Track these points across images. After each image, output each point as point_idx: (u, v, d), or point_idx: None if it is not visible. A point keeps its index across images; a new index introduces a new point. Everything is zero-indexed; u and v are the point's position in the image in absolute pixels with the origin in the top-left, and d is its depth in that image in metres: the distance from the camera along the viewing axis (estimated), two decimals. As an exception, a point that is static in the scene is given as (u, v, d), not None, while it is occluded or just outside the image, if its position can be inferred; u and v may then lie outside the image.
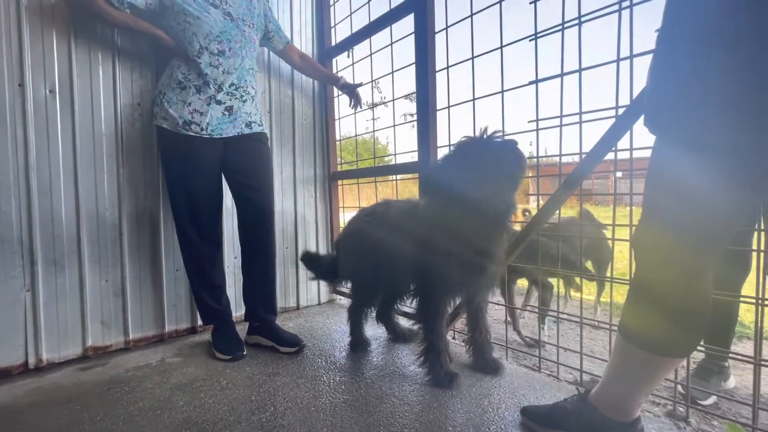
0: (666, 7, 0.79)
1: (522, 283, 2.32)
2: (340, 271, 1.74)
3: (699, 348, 1.23)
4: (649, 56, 0.86)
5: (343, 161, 2.64)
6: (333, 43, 2.41)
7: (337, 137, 2.50)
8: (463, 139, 1.28)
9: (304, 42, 2.35)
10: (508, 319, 1.96)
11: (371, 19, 2.09)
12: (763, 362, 1.06)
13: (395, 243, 1.44)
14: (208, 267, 1.68)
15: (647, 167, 0.87)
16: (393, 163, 2.25)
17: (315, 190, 2.40)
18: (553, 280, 2.03)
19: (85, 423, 1.18)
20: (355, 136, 2.47)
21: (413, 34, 1.83)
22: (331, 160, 2.45)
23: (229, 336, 1.69)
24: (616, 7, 1.25)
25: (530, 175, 1.58)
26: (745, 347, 1.89)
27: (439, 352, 1.37)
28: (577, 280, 2.21)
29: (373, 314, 1.78)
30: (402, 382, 1.40)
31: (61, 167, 1.56)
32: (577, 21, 1.33)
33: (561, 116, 1.39)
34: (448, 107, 1.75)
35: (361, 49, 2.25)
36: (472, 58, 1.63)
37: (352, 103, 2.06)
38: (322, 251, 2.43)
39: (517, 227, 1.72)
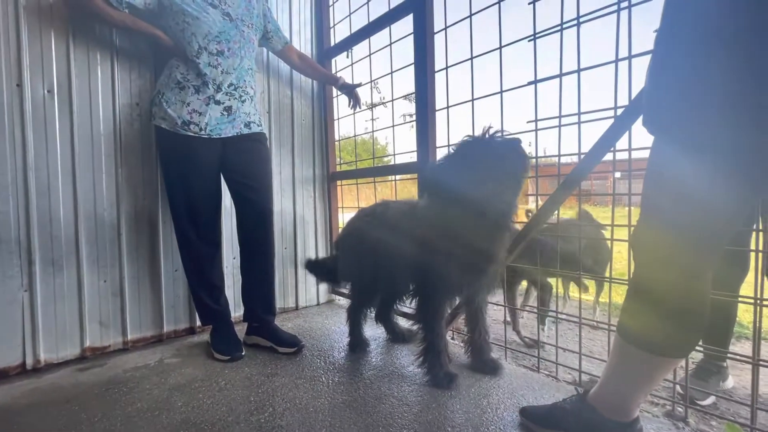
0: (665, 8, 0.79)
1: (522, 283, 2.32)
2: (340, 271, 1.74)
3: (698, 348, 1.23)
4: (648, 57, 0.86)
5: (342, 161, 2.64)
6: (332, 44, 2.41)
7: (336, 137, 2.50)
8: (466, 138, 1.28)
9: (303, 42, 2.35)
10: (508, 319, 1.96)
11: (370, 20, 2.10)
12: (761, 362, 1.06)
13: (395, 243, 1.44)
14: (206, 267, 1.68)
15: (646, 167, 0.87)
16: (392, 163, 2.25)
17: (314, 191, 2.40)
18: (551, 281, 2.03)
19: (83, 424, 1.17)
20: (354, 136, 2.47)
21: (412, 35, 1.83)
22: (330, 161, 2.45)
23: (227, 336, 1.68)
24: (615, 7, 1.25)
25: (530, 175, 1.58)
26: (743, 347, 1.89)
27: (438, 352, 1.37)
28: (589, 282, 2.21)
29: (373, 314, 1.78)
30: (401, 382, 1.40)
31: (59, 167, 1.56)
32: (575, 21, 1.33)
33: (560, 116, 1.39)
34: (447, 107, 1.75)
35: (360, 49, 2.26)
36: (471, 58, 1.63)
37: (351, 103, 2.06)
38: (321, 252, 2.43)
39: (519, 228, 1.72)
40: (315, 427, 1.13)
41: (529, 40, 1.45)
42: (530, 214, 2.18)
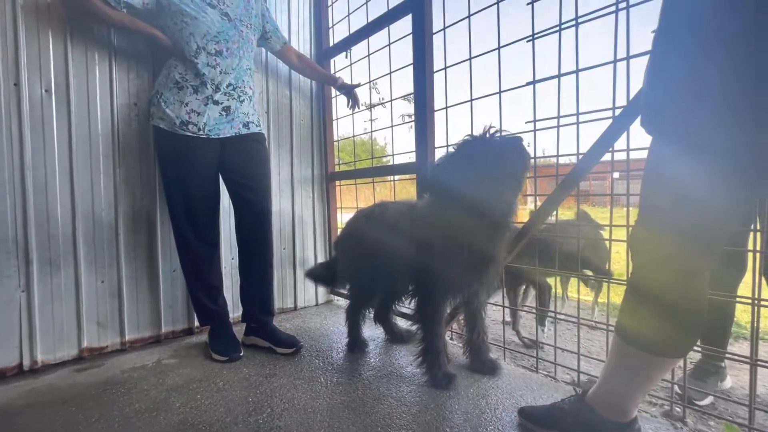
0: (663, 9, 0.80)
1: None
2: (339, 272, 1.73)
3: (696, 348, 1.23)
4: (646, 57, 0.86)
5: (341, 162, 2.64)
6: (331, 44, 2.41)
7: (335, 138, 2.50)
8: (466, 137, 1.27)
9: (301, 42, 2.35)
10: (507, 319, 1.96)
11: (369, 20, 2.10)
12: (759, 362, 1.06)
13: (393, 244, 1.44)
14: (205, 267, 1.68)
15: (644, 168, 0.87)
16: (391, 163, 2.25)
17: (313, 191, 2.40)
18: (550, 281, 2.03)
19: (80, 425, 1.17)
20: (353, 136, 2.47)
21: (411, 35, 1.83)
22: (328, 161, 2.45)
23: (226, 337, 1.68)
24: (613, 8, 1.25)
25: (529, 175, 1.58)
26: (741, 347, 1.89)
27: (437, 352, 1.37)
28: (606, 283, 2.21)
29: (371, 315, 1.78)
30: (400, 383, 1.40)
31: (57, 166, 1.56)
32: (574, 22, 1.33)
33: (558, 117, 1.40)
34: (446, 108, 1.75)
35: (359, 49, 2.26)
36: (470, 58, 1.63)
37: (350, 103, 2.06)
38: (320, 252, 2.43)
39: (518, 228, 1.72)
40: (313, 427, 1.13)
41: (527, 41, 1.45)
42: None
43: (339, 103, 2.44)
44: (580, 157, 1.36)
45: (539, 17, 1.45)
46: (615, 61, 1.25)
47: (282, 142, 2.24)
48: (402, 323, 1.89)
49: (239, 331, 1.78)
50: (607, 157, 1.31)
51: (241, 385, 1.40)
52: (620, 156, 1.29)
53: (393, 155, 2.18)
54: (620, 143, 1.26)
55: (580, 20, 1.32)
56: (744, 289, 1.28)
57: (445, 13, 1.71)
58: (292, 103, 2.27)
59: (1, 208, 1.45)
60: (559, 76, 1.38)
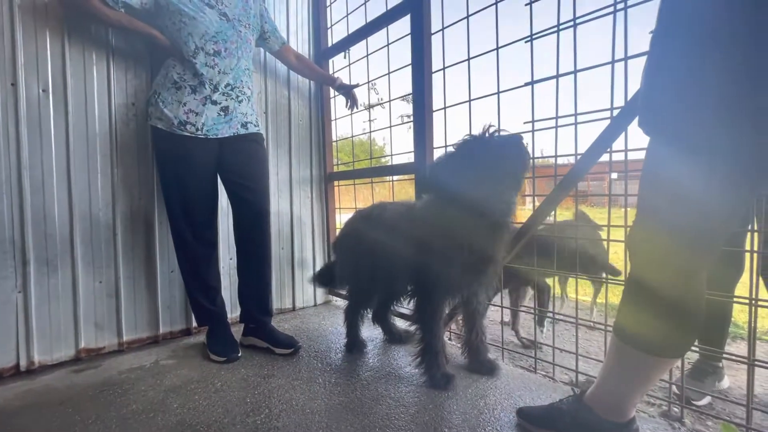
0: (660, 9, 0.80)
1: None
2: (337, 272, 1.73)
3: (693, 348, 1.23)
4: (644, 58, 0.86)
5: (339, 162, 2.64)
6: (329, 44, 2.41)
7: (334, 138, 2.50)
8: (466, 137, 1.27)
9: (300, 43, 2.35)
10: (505, 320, 1.96)
11: (368, 20, 2.10)
12: (756, 362, 1.06)
13: (392, 244, 1.44)
14: (203, 268, 1.67)
15: (642, 168, 0.87)
16: (389, 164, 2.25)
17: (311, 191, 2.39)
18: (548, 281, 2.03)
19: (77, 426, 1.16)
20: (352, 137, 2.47)
21: (410, 35, 1.83)
22: (327, 161, 2.45)
23: (224, 338, 1.68)
24: (611, 9, 1.25)
25: (528, 175, 1.58)
26: (739, 348, 1.90)
27: (436, 353, 1.37)
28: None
29: (370, 315, 1.78)
30: (398, 383, 1.40)
31: (54, 166, 1.55)
32: (572, 23, 1.33)
33: (556, 117, 1.40)
34: (444, 108, 1.75)
35: (357, 50, 2.26)
36: (468, 59, 1.63)
37: (349, 104, 2.06)
38: (318, 253, 2.42)
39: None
40: (311, 428, 1.13)
41: (526, 41, 1.45)
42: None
43: (338, 103, 2.45)
44: (579, 157, 1.36)
45: (537, 18, 1.45)
46: (613, 62, 1.25)
47: (280, 143, 2.23)
48: (400, 324, 1.89)
49: (237, 331, 1.78)
50: (605, 157, 1.32)
51: (239, 385, 1.39)
52: (618, 156, 1.29)
53: (392, 155, 2.18)
54: (618, 144, 1.26)
55: (578, 21, 1.32)
56: (741, 289, 1.28)
57: (444, 14, 1.72)
58: (290, 103, 2.27)
59: (-3, 208, 1.44)
60: (557, 76, 1.38)
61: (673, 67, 0.75)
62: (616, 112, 1.26)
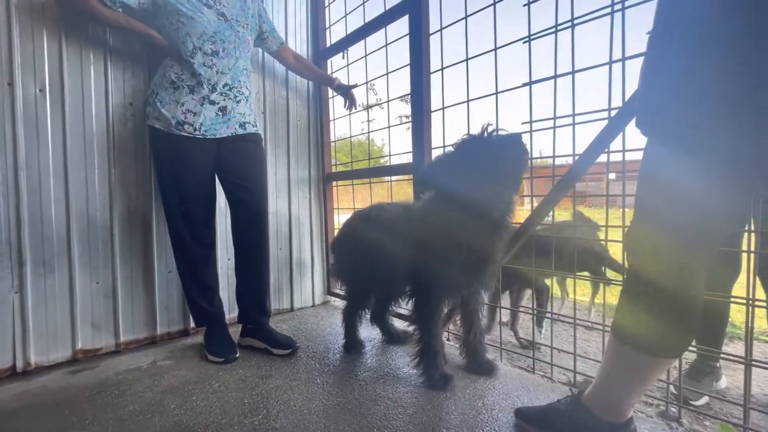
0: (658, 10, 0.80)
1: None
2: (336, 272, 1.73)
3: (691, 348, 1.23)
4: (641, 58, 0.86)
5: (338, 162, 2.64)
6: (328, 44, 2.40)
7: (332, 138, 2.50)
8: (465, 136, 1.27)
9: (298, 43, 2.35)
10: (503, 320, 1.96)
11: (366, 21, 2.10)
12: (753, 362, 1.06)
13: (390, 244, 1.43)
14: (200, 268, 1.67)
15: (639, 169, 0.87)
16: (388, 164, 2.25)
17: (309, 191, 2.39)
18: (547, 281, 2.03)
19: (73, 427, 1.16)
20: (350, 137, 2.47)
21: (408, 36, 1.83)
22: (325, 161, 2.44)
23: (221, 338, 1.67)
24: (609, 10, 1.26)
25: (526, 175, 1.59)
26: (736, 348, 1.90)
27: (434, 353, 1.37)
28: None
29: (368, 316, 1.78)
30: (396, 384, 1.40)
31: (51, 166, 1.54)
32: (570, 23, 1.33)
33: (554, 118, 1.40)
34: (443, 109, 1.75)
35: (356, 50, 2.26)
36: (467, 59, 1.63)
37: (347, 104, 2.06)
38: (317, 253, 2.42)
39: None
40: (309, 429, 1.13)
41: (524, 42, 1.45)
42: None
43: (336, 103, 2.44)
44: (576, 157, 1.37)
45: (535, 18, 1.45)
46: (611, 63, 1.25)
47: (279, 143, 2.23)
48: (399, 324, 1.89)
49: (235, 332, 1.78)
50: (603, 158, 1.32)
51: (236, 386, 1.39)
52: (616, 157, 1.29)
53: (390, 156, 2.18)
54: (616, 144, 1.27)
55: (576, 22, 1.32)
56: (738, 289, 1.29)
57: (442, 14, 1.72)
58: (288, 103, 2.27)
59: (-6, 209, 1.44)
60: (555, 77, 1.38)
61: (671, 68, 0.75)
62: (613, 113, 1.26)
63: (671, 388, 1.27)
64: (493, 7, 1.54)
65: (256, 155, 1.71)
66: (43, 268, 1.54)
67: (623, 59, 1.22)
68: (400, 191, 2.53)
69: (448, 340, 1.84)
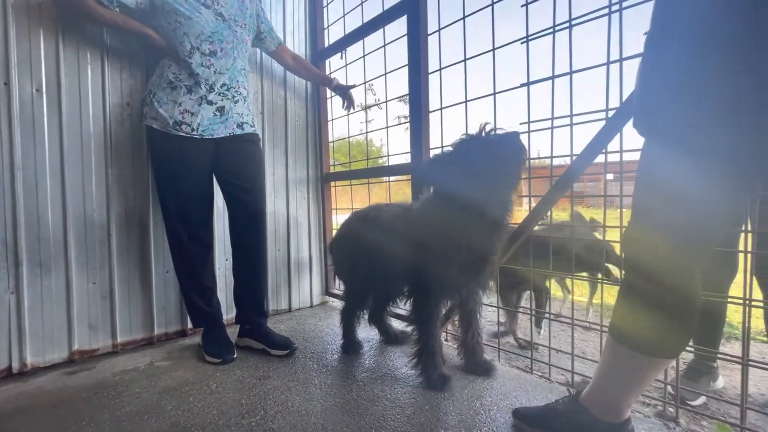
0: (655, 11, 0.80)
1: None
2: (334, 273, 1.73)
3: (688, 349, 1.24)
4: (639, 59, 0.86)
5: (336, 163, 2.63)
6: (326, 45, 2.40)
7: (330, 138, 2.49)
8: (463, 136, 1.27)
9: (296, 43, 2.34)
10: (501, 320, 1.96)
11: (364, 21, 2.10)
12: (750, 362, 1.07)
13: (388, 245, 1.43)
14: (198, 269, 1.66)
15: (637, 169, 0.87)
16: (386, 164, 2.25)
17: (308, 192, 2.39)
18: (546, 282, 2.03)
19: (70, 428, 1.15)
20: (348, 137, 2.47)
21: (406, 36, 1.83)
22: (323, 162, 2.44)
23: (219, 339, 1.67)
24: (606, 10, 1.26)
25: (524, 174, 1.59)
26: (733, 348, 1.91)
27: (433, 353, 1.37)
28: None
29: (366, 316, 1.78)
30: (394, 384, 1.39)
31: (48, 167, 1.54)
32: (567, 24, 1.34)
33: (552, 118, 1.40)
34: (441, 109, 1.75)
35: (354, 50, 2.26)
36: (465, 60, 1.63)
37: (345, 104, 2.06)
38: (315, 253, 2.42)
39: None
40: (307, 430, 1.12)
41: (521, 42, 1.45)
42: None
43: (334, 104, 2.44)
44: (574, 158, 1.37)
45: (533, 19, 1.46)
46: (608, 63, 1.26)
47: (277, 143, 2.23)
48: (397, 325, 1.89)
49: (233, 332, 1.77)
50: (600, 158, 1.32)
51: (234, 387, 1.39)
52: (614, 158, 1.29)
53: (388, 156, 2.17)
54: (614, 145, 1.27)
55: (573, 22, 1.33)
56: (735, 289, 1.29)
57: (440, 15, 1.72)
58: (287, 103, 2.26)
59: (-10, 209, 1.43)
60: (552, 77, 1.38)
61: (670, 68, 0.75)
62: (611, 114, 1.26)
63: (669, 388, 1.27)
64: (491, 7, 1.54)
65: (254, 155, 1.71)
66: (40, 269, 1.53)
67: (621, 60, 1.23)
68: (399, 192, 2.53)
69: (446, 340, 1.84)
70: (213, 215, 1.75)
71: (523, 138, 1.46)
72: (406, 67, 1.84)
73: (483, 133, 1.23)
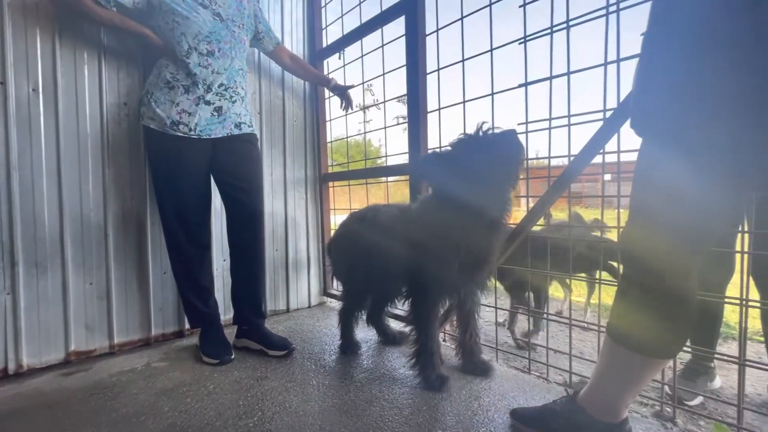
0: (652, 11, 0.80)
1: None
2: (332, 273, 1.72)
3: (685, 349, 1.24)
4: (636, 60, 0.86)
5: (334, 163, 2.63)
6: (324, 45, 2.40)
7: (329, 139, 2.49)
8: (461, 136, 1.27)
9: (294, 43, 2.34)
10: (500, 321, 1.96)
11: (363, 21, 2.09)
12: (747, 362, 1.07)
13: (387, 245, 1.43)
14: (195, 269, 1.66)
15: (634, 169, 0.87)
16: (384, 165, 2.24)
17: (306, 192, 2.38)
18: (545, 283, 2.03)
19: (66, 430, 1.14)
20: (346, 137, 2.46)
21: (404, 37, 1.83)
22: (322, 162, 2.44)
23: (217, 339, 1.66)
24: (604, 11, 1.26)
25: (522, 174, 1.59)
26: (730, 348, 1.91)
27: (431, 354, 1.36)
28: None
29: (364, 317, 1.77)
30: (392, 385, 1.39)
31: (44, 167, 1.53)
32: (565, 25, 1.34)
33: (550, 119, 1.40)
34: (439, 109, 1.75)
35: (352, 50, 2.26)
36: (463, 60, 1.63)
37: (344, 105, 2.06)
38: (313, 254, 2.41)
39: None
40: (305, 431, 1.12)
41: (519, 43, 1.46)
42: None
43: (333, 104, 2.44)
44: (572, 158, 1.37)
45: (531, 20, 1.46)
46: (606, 64, 1.26)
47: (275, 143, 2.22)
48: (395, 325, 1.89)
49: (230, 333, 1.77)
50: (598, 159, 1.32)
51: (231, 388, 1.38)
52: (611, 158, 1.30)
53: (386, 156, 2.17)
54: (611, 145, 1.27)
55: (571, 23, 1.33)
56: (732, 289, 1.29)
57: (438, 15, 1.72)
58: (285, 103, 2.26)
59: (-15, 209, 1.42)
60: (550, 78, 1.38)
61: (670, 68, 0.75)
62: (609, 114, 1.27)
63: (666, 388, 1.28)
64: (489, 8, 1.54)
65: (251, 155, 1.70)
66: (36, 269, 1.52)
67: (618, 60, 1.23)
68: (397, 192, 2.53)
69: (444, 340, 1.84)
70: (211, 215, 1.74)
71: (521, 138, 1.47)
72: (404, 68, 1.84)
73: (480, 132, 1.23)
